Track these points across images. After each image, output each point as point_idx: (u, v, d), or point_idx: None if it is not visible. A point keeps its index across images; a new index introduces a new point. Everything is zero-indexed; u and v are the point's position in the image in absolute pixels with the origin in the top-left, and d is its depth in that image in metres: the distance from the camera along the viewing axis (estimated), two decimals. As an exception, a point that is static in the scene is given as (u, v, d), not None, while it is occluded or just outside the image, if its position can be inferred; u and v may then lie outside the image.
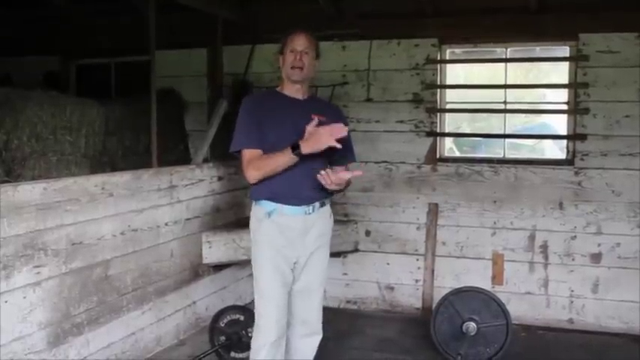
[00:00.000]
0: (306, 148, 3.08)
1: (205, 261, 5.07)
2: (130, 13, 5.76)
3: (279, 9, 5.72)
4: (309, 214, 3.28)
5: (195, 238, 5.00)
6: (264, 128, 3.23)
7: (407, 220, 5.70)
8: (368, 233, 5.80)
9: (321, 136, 3.04)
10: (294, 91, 3.38)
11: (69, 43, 6.48)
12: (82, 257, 3.83)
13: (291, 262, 3.32)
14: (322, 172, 3.06)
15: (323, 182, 3.08)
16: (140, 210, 4.36)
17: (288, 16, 5.58)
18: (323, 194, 3.31)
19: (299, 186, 3.21)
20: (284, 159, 3.13)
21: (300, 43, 3.32)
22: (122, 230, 4.18)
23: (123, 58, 6.55)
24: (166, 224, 4.66)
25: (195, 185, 4.98)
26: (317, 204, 3.31)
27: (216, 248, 5.06)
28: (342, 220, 5.76)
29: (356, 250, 5.79)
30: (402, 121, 5.68)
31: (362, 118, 5.78)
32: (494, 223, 5.47)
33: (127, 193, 4.22)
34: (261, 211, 3.29)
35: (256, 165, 3.19)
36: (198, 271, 5.07)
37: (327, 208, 3.41)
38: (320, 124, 3.12)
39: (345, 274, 5.86)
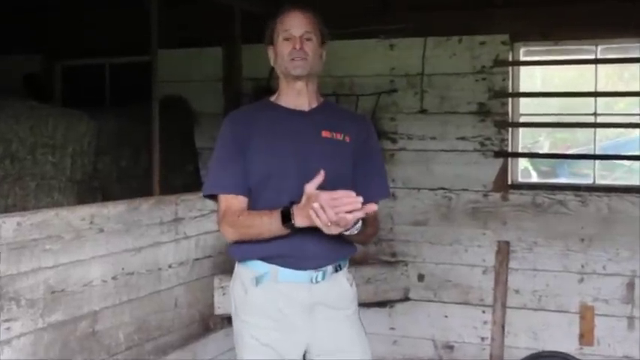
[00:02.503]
0: (301, 219, 2.60)
1: (218, 311, 5.00)
2: (128, 5, 5.77)
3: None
4: (317, 282, 2.82)
5: (205, 282, 4.94)
6: (251, 159, 2.82)
7: (470, 262, 5.63)
8: (421, 278, 5.74)
9: (321, 209, 2.50)
10: (295, 98, 2.90)
11: (54, 40, 6.55)
12: (63, 308, 3.76)
13: (295, 351, 2.88)
14: (315, 204, 2.49)
15: (318, 223, 2.52)
16: (137, 249, 4.30)
17: (321, 8, 5.53)
18: (340, 252, 2.86)
19: (303, 240, 2.72)
20: (270, 227, 2.69)
21: (296, 24, 2.85)
22: (114, 274, 4.12)
23: (120, 59, 6.63)
24: (170, 266, 4.60)
25: (207, 217, 4.89)
26: (329, 268, 2.85)
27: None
28: (388, 261, 5.75)
29: (406, 299, 5.74)
30: (464, 138, 5.65)
31: (414, 134, 5.76)
32: (582, 266, 5.36)
33: (121, 228, 4.16)
34: (247, 274, 2.86)
35: (233, 222, 2.79)
36: (209, 323, 5.01)
37: (344, 273, 2.94)
38: (323, 186, 2.56)
39: (393, 328, 5.80)
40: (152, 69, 4.82)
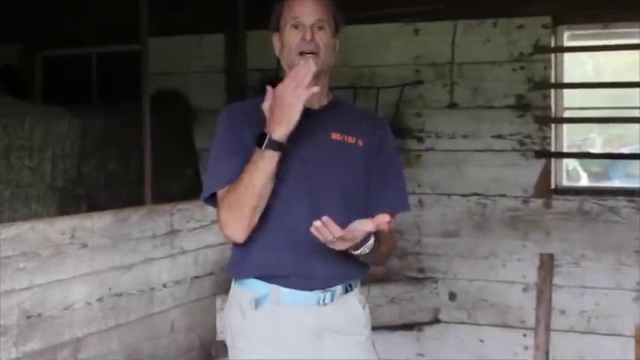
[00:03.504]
0: (274, 126, 2.56)
1: (220, 337, 4.94)
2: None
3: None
4: (325, 304, 2.77)
5: (205, 304, 4.94)
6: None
7: (509, 279, 5.60)
8: (453, 296, 5.73)
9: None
10: None
11: (33, 27, 6.54)
12: (41, 335, 3.73)
13: None
14: (316, 222, 2.43)
15: (322, 239, 2.45)
16: (126, 266, 4.28)
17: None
18: (351, 271, 2.80)
19: (308, 255, 2.67)
20: (257, 166, 2.59)
21: (307, 11, 2.78)
22: (100, 296, 4.10)
23: (108, 48, 6.64)
24: (164, 286, 4.58)
25: (207, 229, 4.88)
26: (338, 288, 2.78)
27: (235, 318, 5.00)
28: (416, 277, 5.75)
29: (436, 321, 5.74)
30: (500, 136, 5.63)
31: (443, 132, 5.74)
32: (638, 283, 5.32)
33: (107, 243, 4.14)
34: (245, 295, 2.79)
35: (227, 202, 2.68)
36: (210, 350, 5.00)
37: (356, 294, 2.88)
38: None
39: (421, 354, 5.79)
40: (142, 59, 4.83)
